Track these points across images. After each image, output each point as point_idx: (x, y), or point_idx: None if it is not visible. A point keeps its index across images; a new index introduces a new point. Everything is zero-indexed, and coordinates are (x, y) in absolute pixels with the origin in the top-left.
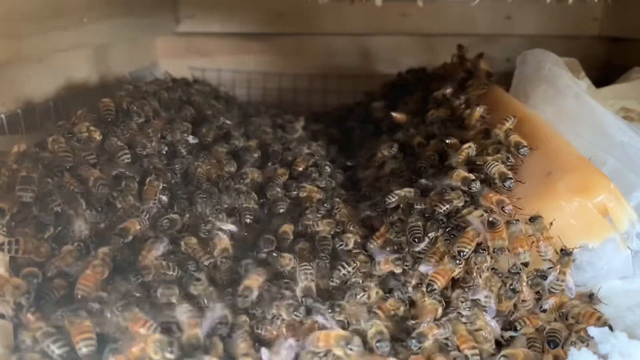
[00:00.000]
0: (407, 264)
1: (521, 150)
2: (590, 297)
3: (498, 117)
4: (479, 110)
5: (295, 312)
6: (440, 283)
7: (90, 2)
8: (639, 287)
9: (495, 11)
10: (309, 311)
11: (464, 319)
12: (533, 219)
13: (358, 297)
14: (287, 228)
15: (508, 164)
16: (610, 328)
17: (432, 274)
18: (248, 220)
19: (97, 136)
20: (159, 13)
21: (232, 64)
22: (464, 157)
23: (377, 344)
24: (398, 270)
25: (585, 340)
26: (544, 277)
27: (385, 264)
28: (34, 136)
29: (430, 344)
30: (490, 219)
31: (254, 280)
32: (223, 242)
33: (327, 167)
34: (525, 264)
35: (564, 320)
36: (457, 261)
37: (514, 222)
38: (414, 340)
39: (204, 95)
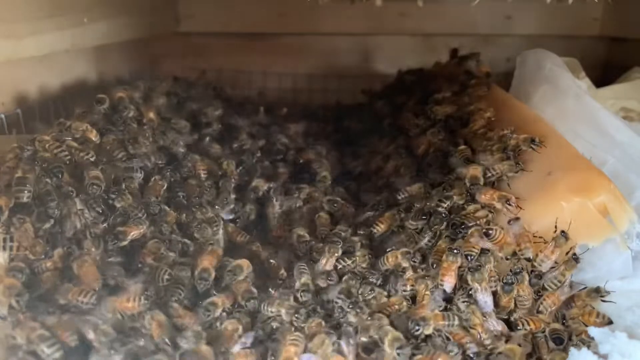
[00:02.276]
0: (415, 259)
1: (535, 143)
2: (597, 291)
3: (498, 117)
4: (488, 113)
5: (295, 315)
6: (451, 283)
7: (90, 2)
8: (639, 287)
9: (495, 11)
10: (309, 315)
11: (461, 315)
12: (563, 233)
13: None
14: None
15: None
16: (610, 322)
17: (440, 278)
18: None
19: (94, 136)
20: (158, 13)
21: (232, 64)
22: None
23: (397, 351)
24: (405, 264)
25: (587, 342)
26: (540, 277)
27: (393, 257)
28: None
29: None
30: (484, 230)
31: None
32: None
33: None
34: (528, 259)
35: (561, 322)
36: (455, 250)
37: (516, 220)
38: (412, 323)
39: (205, 95)
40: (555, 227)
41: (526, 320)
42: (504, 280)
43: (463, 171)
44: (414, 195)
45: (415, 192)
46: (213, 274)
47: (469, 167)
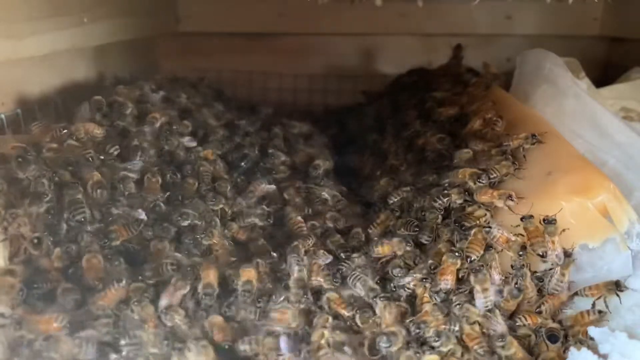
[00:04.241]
0: (409, 244)
1: (536, 138)
2: (617, 285)
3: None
4: (488, 114)
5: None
6: (450, 282)
7: (90, 2)
8: (639, 287)
9: (495, 11)
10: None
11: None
12: (547, 221)
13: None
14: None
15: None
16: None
17: (439, 276)
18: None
19: (98, 131)
20: (159, 13)
21: (232, 64)
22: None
23: (381, 344)
24: (399, 252)
25: (585, 342)
26: (540, 280)
27: (387, 246)
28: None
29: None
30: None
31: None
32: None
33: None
34: (542, 255)
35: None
36: (457, 254)
37: (530, 217)
38: (413, 326)
39: (205, 95)
40: (530, 215)
41: (524, 317)
42: (516, 285)
43: (457, 175)
44: (405, 198)
45: (406, 194)
46: (216, 289)
47: (459, 170)
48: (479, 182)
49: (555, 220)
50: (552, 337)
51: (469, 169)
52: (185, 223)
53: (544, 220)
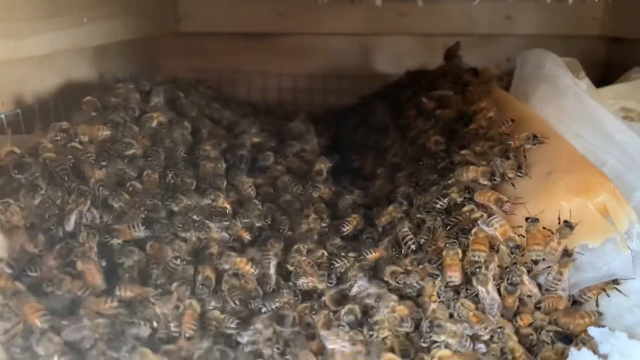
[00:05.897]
0: (396, 251)
1: (537, 139)
2: (615, 282)
3: (498, 117)
4: (490, 113)
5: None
6: (457, 276)
7: (90, 2)
8: (639, 287)
9: (495, 11)
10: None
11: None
12: (567, 224)
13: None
14: None
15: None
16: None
17: (446, 271)
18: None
19: (101, 132)
20: (158, 13)
21: (232, 64)
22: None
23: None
24: (387, 256)
25: (587, 342)
26: (535, 275)
27: (377, 252)
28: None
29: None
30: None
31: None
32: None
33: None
34: (535, 262)
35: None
36: (452, 240)
37: (535, 220)
38: (425, 322)
39: (204, 95)
40: (559, 219)
41: (518, 319)
42: (509, 280)
43: (463, 173)
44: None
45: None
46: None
47: (469, 168)
48: (493, 179)
49: (574, 227)
50: (566, 338)
51: (481, 167)
52: (177, 208)
53: (565, 222)
